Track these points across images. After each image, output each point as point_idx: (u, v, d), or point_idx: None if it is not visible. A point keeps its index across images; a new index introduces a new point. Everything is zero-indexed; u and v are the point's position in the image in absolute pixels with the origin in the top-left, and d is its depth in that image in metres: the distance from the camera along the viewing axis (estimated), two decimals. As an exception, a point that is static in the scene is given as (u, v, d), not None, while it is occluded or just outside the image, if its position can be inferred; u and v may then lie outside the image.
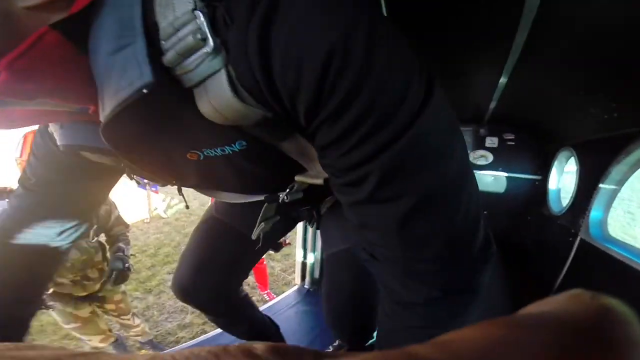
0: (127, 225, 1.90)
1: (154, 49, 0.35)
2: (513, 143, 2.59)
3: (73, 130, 0.52)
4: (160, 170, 0.57)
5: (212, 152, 0.46)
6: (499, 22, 1.12)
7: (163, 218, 5.72)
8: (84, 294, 1.74)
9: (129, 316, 1.98)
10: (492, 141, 2.66)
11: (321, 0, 0.32)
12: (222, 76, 0.35)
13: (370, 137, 0.35)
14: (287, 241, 2.78)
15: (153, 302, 3.15)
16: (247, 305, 1.19)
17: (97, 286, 1.76)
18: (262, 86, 0.35)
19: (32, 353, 0.12)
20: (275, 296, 2.95)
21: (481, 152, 2.71)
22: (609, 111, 1.40)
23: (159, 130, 0.43)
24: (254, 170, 0.52)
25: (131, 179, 0.65)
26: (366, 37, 0.32)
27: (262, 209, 0.71)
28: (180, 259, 1.02)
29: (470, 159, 2.79)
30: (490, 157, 2.69)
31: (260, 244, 0.92)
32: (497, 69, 1.50)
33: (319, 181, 0.54)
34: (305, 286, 2.36)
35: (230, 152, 0.46)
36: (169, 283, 1.10)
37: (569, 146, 1.99)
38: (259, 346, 0.11)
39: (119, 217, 1.85)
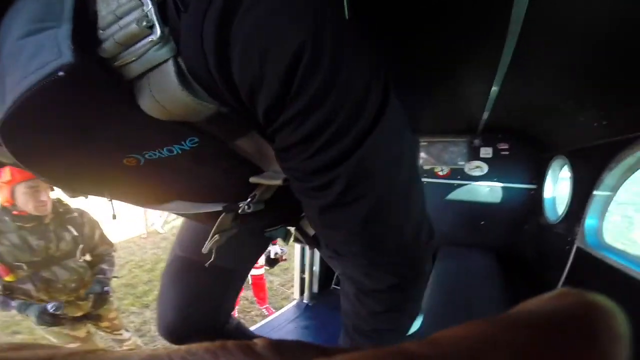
0: (111, 245, 1.88)
1: (89, 39, 0.31)
2: (507, 153, 2.60)
3: None
4: (84, 181, 0.49)
5: (155, 155, 0.40)
6: (487, 32, 1.15)
7: (160, 233, 5.71)
8: (80, 313, 1.72)
9: (121, 331, 1.97)
10: (486, 151, 2.67)
11: None
12: (169, 67, 0.32)
13: (335, 142, 0.35)
14: (284, 257, 2.76)
15: (150, 317, 3.12)
16: (241, 334, 1.13)
17: (91, 304, 1.74)
18: (217, 79, 0.32)
19: (26, 353, 0.11)
20: (274, 311, 2.91)
21: (476, 163, 2.72)
22: (598, 119, 1.42)
23: (87, 132, 0.37)
24: (206, 174, 0.47)
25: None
26: (334, 37, 0.31)
27: (218, 220, 0.62)
28: (159, 304, 0.95)
29: (466, 170, 2.81)
30: (485, 168, 2.70)
31: (218, 263, 0.82)
32: (488, 78, 1.52)
33: (278, 182, 0.49)
34: (304, 301, 2.35)
35: (180, 152, 0.40)
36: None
37: (562, 154, 2.00)
38: (258, 342, 0.11)
39: (102, 236, 1.84)
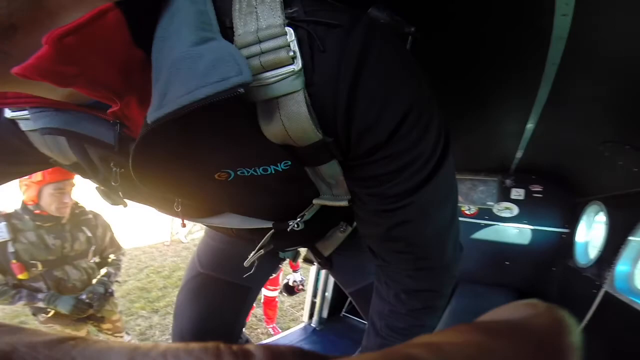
0: (120, 248, 1.91)
1: None
2: (540, 195, 2.49)
3: (64, 113, 0.42)
4: (169, 191, 0.50)
5: (247, 172, 0.42)
6: (524, 68, 1.14)
7: (183, 243, 5.82)
8: (85, 314, 1.73)
9: (122, 334, 1.96)
10: (518, 193, 2.56)
11: (401, 59, 0.39)
12: (301, 97, 0.34)
13: (416, 174, 0.43)
14: (301, 287, 2.74)
15: (157, 322, 3.14)
16: None
17: (95, 304, 1.74)
18: (338, 115, 0.37)
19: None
20: (280, 331, 2.85)
21: (506, 204, 2.61)
22: (638, 164, 1.36)
23: (201, 144, 0.39)
24: (280, 193, 0.50)
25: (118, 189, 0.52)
26: (428, 97, 0.41)
27: (266, 236, 0.65)
28: (176, 317, 0.98)
29: (494, 210, 2.72)
30: (515, 210, 2.58)
31: (254, 282, 0.88)
32: (523, 116, 1.49)
33: (343, 203, 0.53)
34: (312, 325, 2.31)
35: (272, 172, 0.42)
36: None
37: (598, 199, 1.91)
38: (255, 351, 0.10)
39: (112, 239, 1.87)
